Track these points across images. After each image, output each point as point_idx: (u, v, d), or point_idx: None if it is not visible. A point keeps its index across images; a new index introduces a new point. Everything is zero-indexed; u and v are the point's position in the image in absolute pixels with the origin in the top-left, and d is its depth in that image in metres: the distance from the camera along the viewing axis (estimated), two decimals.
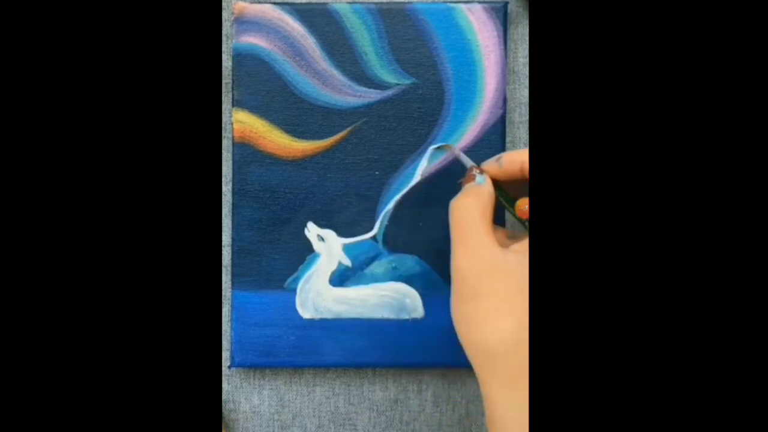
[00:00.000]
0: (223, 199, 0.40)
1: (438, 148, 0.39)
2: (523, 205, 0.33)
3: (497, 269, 0.30)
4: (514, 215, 0.33)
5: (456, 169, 0.40)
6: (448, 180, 0.40)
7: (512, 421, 0.29)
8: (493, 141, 0.39)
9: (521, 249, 0.31)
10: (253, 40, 0.39)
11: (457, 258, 0.31)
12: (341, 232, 0.40)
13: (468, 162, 0.35)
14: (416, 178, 0.39)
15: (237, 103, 0.39)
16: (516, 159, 0.33)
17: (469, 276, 0.30)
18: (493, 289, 0.30)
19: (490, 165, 0.34)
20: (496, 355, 0.30)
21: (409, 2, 0.40)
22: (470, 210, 0.32)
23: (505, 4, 0.40)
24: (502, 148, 0.39)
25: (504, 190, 0.34)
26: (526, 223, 0.33)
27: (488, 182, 0.33)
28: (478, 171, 0.34)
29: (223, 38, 0.41)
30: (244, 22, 0.39)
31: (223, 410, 0.41)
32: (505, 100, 0.40)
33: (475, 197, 0.32)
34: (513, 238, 0.34)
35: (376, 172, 0.40)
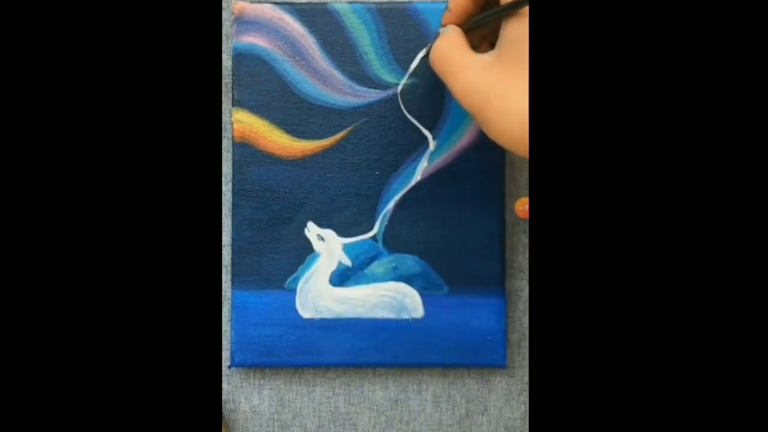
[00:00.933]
0: (223, 199, 0.40)
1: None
2: (523, 205, 0.33)
3: (489, 65, 0.31)
4: (491, 16, 0.33)
5: (456, 169, 0.40)
6: (448, 180, 0.40)
7: None
8: (493, 141, 0.39)
9: (497, 43, 0.32)
10: (253, 39, 0.39)
11: (458, 84, 0.32)
12: (341, 232, 0.40)
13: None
14: (416, 178, 0.39)
15: (237, 103, 0.39)
16: (527, 216, 0.33)
17: (477, 87, 0.31)
18: (496, 81, 0.31)
19: (444, 17, 0.35)
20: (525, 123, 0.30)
21: (409, 2, 0.40)
22: (446, 47, 0.33)
23: None
24: (502, 148, 0.39)
25: (472, 18, 0.34)
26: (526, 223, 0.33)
27: (451, 26, 0.34)
28: (441, 29, 0.35)
29: (223, 38, 0.41)
30: (244, 22, 0.39)
31: (223, 410, 0.41)
32: None
33: (445, 39, 0.34)
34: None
35: (376, 172, 0.40)
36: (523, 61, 0.30)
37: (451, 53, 0.33)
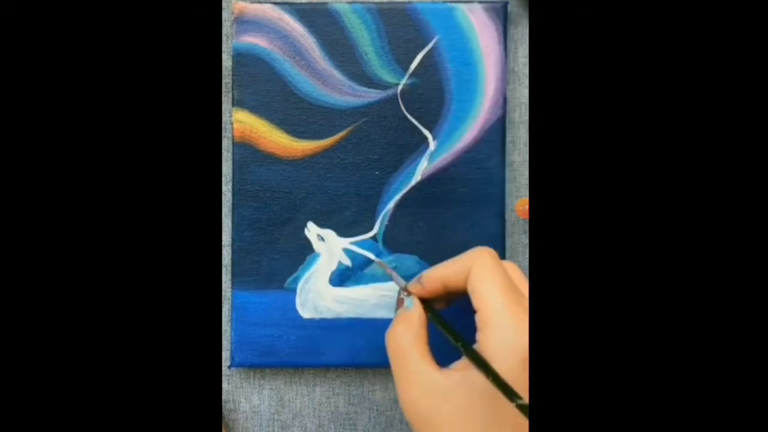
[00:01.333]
0: (223, 199, 0.40)
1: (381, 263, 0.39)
2: (523, 205, 0.33)
3: (440, 392, 0.30)
4: (453, 342, 0.31)
5: (456, 169, 0.40)
6: (448, 180, 0.40)
7: None
8: (493, 141, 0.39)
9: (462, 366, 0.30)
10: (253, 39, 0.39)
11: (402, 393, 0.31)
12: (341, 232, 0.40)
13: (400, 282, 0.35)
14: (416, 178, 0.39)
15: (237, 103, 0.39)
16: (435, 275, 0.33)
17: (420, 407, 0.30)
18: (446, 415, 0.30)
19: (414, 286, 0.33)
20: None
21: (409, 2, 0.40)
22: (402, 338, 0.32)
23: (505, 4, 0.40)
24: (503, 148, 0.39)
25: (437, 314, 0.33)
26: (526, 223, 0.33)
27: (416, 304, 0.33)
28: (405, 294, 0.33)
29: (223, 38, 0.41)
30: (244, 22, 0.39)
31: (223, 410, 0.41)
32: (505, 100, 0.40)
33: (405, 324, 0.32)
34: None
35: (376, 172, 0.40)
36: (478, 410, 0.29)
37: (407, 350, 0.31)
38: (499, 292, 0.30)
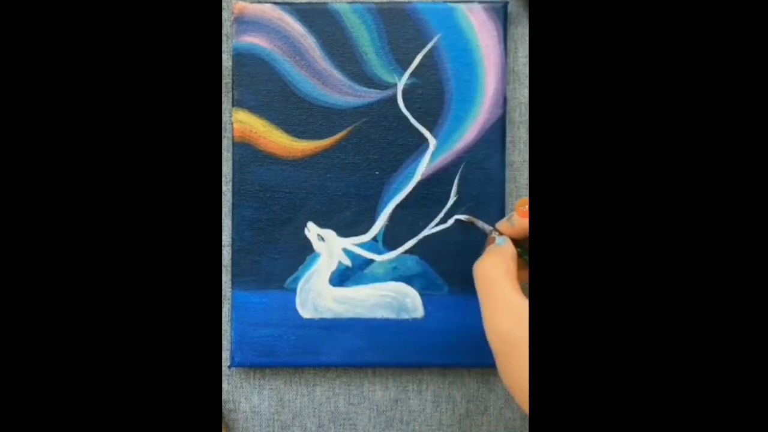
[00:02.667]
0: (223, 199, 0.40)
1: (459, 220, 0.39)
2: (523, 205, 0.33)
3: (525, 315, 0.30)
4: None
5: (456, 169, 0.40)
6: (448, 180, 0.40)
7: None
8: (493, 141, 0.39)
9: None
10: (253, 39, 0.39)
11: (490, 318, 0.32)
12: (341, 232, 0.40)
13: (486, 227, 0.37)
14: (416, 178, 0.39)
15: (237, 103, 0.39)
16: (527, 213, 0.34)
17: (508, 332, 0.31)
18: (526, 340, 0.30)
19: (503, 225, 0.35)
20: None
21: (409, 2, 0.40)
22: (495, 268, 0.33)
23: (505, 4, 0.40)
24: (503, 148, 0.39)
25: (525, 249, 0.35)
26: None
27: (508, 242, 0.34)
28: (497, 233, 0.35)
29: (223, 38, 0.41)
30: (244, 22, 0.39)
31: (223, 410, 0.41)
32: (505, 100, 0.40)
33: (499, 256, 0.33)
34: None
35: (376, 172, 0.40)
36: None
37: (497, 280, 0.32)
38: None
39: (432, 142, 0.40)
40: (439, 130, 0.40)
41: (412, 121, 0.40)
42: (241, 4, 0.39)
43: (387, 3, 0.40)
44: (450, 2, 0.40)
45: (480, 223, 0.38)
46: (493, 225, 0.36)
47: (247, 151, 0.39)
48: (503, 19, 0.40)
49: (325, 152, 0.40)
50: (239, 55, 0.39)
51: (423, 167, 0.40)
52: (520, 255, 0.34)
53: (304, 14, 0.40)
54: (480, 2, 0.40)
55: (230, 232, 0.40)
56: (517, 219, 0.34)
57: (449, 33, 0.40)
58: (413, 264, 0.40)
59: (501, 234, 0.35)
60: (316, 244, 0.40)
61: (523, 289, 0.32)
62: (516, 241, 0.35)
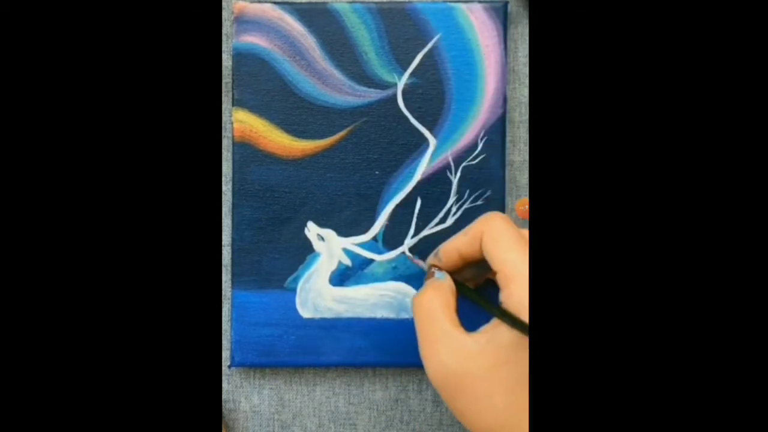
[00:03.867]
0: (223, 199, 0.40)
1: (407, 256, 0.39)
2: (523, 205, 0.33)
3: (469, 352, 0.30)
4: (482, 306, 0.32)
5: (456, 169, 0.40)
6: (448, 180, 0.40)
7: None
8: (493, 141, 0.39)
9: (489, 328, 0.31)
10: (253, 39, 0.39)
11: (429, 356, 0.31)
12: (341, 232, 0.40)
13: (423, 265, 0.37)
14: (416, 178, 0.39)
15: (237, 103, 0.39)
16: (450, 248, 0.34)
17: (448, 368, 0.30)
18: (471, 375, 0.30)
19: (432, 260, 0.35)
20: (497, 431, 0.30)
21: (409, 2, 0.40)
22: (431, 300, 0.32)
23: (505, 4, 0.40)
24: (503, 148, 0.39)
25: (463, 284, 0.34)
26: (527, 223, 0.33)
27: (447, 276, 0.34)
28: (435, 269, 0.35)
29: (223, 38, 0.41)
30: (244, 22, 0.39)
31: (223, 410, 0.41)
32: (505, 100, 0.40)
33: (437, 290, 0.33)
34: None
35: (376, 172, 0.40)
36: (507, 365, 0.30)
37: (434, 313, 0.32)
38: (514, 247, 0.31)
39: (432, 142, 0.40)
40: (439, 130, 0.40)
41: (412, 121, 0.40)
42: (241, 4, 0.39)
43: (387, 3, 0.40)
44: (450, 2, 0.40)
45: (416, 260, 0.38)
46: (429, 259, 0.36)
47: (247, 150, 0.39)
48: (503, 19, 0.40)
49: (325, 152, 0.40)
50: (239, 55, 0.39)
51: (423, 167, 0.40)
52: (458, 288, 0.34)
53: (304, 14, 0.39)
54: (480, 2, 0.40)
55: (230, 232, 0.40)
56: (444, 253, 0.34)
57: (449, 33, 0.40)
58: (413, 264, 0.40)
59: (439, 269, 0.35)
60: (316, 244, 0.40)
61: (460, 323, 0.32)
62: (455, 274, 0.34)
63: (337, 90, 0.40)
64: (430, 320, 0.32)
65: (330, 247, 0.40)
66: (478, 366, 0.30)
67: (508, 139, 0.40)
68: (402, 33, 0.40)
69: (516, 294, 0.30)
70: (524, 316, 0.30)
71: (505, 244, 0.32)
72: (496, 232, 0.32)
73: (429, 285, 0.34)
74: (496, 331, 0.30)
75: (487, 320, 0.32)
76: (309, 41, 0.40)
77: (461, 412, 0.31)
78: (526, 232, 0.33)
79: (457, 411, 0.31)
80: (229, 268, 0.40)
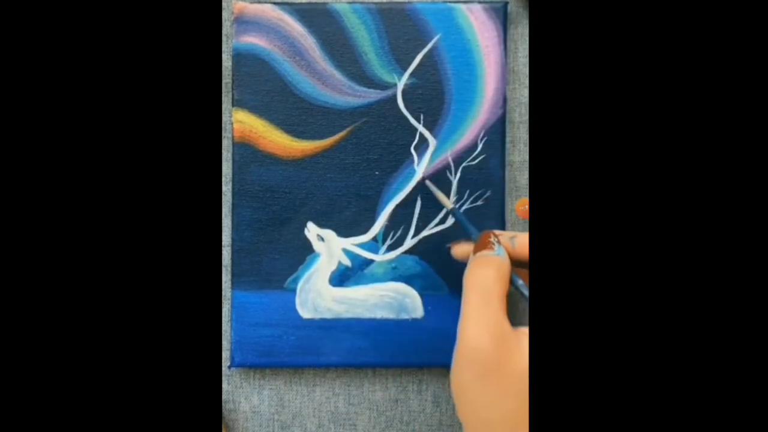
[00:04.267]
0: (223, 199, 0.40)
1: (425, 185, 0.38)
2: (523, 205, 0.33)
3: (512, 348, 0.29)
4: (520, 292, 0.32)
5: (456, 170, 0.40)
6: (448, 180, 0.40)
7: None
8: (493, 141, 0.39)
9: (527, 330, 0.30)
10: (253, 40, 0.39)
11: (466, 330, 0.30)
12: (341, 232, 0.40)
13: (445, 201, 0.35)
14: (416, 178, 0.39)
15: (237, 103, 0.39)
16: (527, 216, 0.33)
17: (484, 351, 0.29)
18: (500, 370, 0.29)
19: (506, 242, 0.33)
20: (494, 429, 0.29)
21: (409, 2, 0.40)
22: (490, 282, 0.31)
23: (505, 4, 0.40)
24: (503, 148, 0.39)
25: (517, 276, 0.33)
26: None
27: (506, 254, 0.32)
28: (496, 240, 0.32)
29: (223, 38, 0.41)
30: (244, 22, 0.39)
31: (223, 410, 0.41)
32: (505, 100, 0.40)
33: (496, 270, 0.31)
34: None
35: (376, 172, 0.40)
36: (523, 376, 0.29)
37: (493, 298, 0.30)
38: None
39: (432, 142, 0.40)
40: (439, 130, 0.40)
41: (412, 121, 0.40)
42: (241, 4, 0.39)
43: (387, 3, 0.40)
44: (450, 2, 0.40)
45: (440, 196, 0.36)
46: (502, 235, 0.33)
47: (247, 151, 0.39)
48: (503, 19, 0.40)
49: (325, 152, 0.40)
50: (239, 55, 0.39)
51: (423, 167, 0.40)
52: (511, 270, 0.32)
53: (304, 14, 0.40)
54: (480, 2, 0.40)
55: (230, 232, 0.40)
56: (522, 243, 0.32)
57: (449, 33, 0.40)
58: (413, 264, 0.40)
59: (499, 243, 0.32)
60: (316, 244, 0.40)
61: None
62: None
63: (337, 90, 0.40)
64: (485, 301, 0.30)
65: (330, 247, 0.40)
66: (515, 364, 0.29)
67: (508, 139, 0.40)
68: (402, 33, 0.40)
69: None
70: None
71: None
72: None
73: (489, 260, 0.31)
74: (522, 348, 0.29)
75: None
76: (309, 42, 0.40)
77: (466, 397, 0.30)
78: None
79: (463, 394, 0.30)
80: (229, 269, 0.40)
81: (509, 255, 0.32)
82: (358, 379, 0.41)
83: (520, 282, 0.32)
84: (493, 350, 0.29)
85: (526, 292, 0.31)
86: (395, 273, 0.39)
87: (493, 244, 0.32)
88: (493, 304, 0.30)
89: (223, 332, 0.40)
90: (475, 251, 0.33)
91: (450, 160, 0.40)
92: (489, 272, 0.31)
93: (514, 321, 0.31)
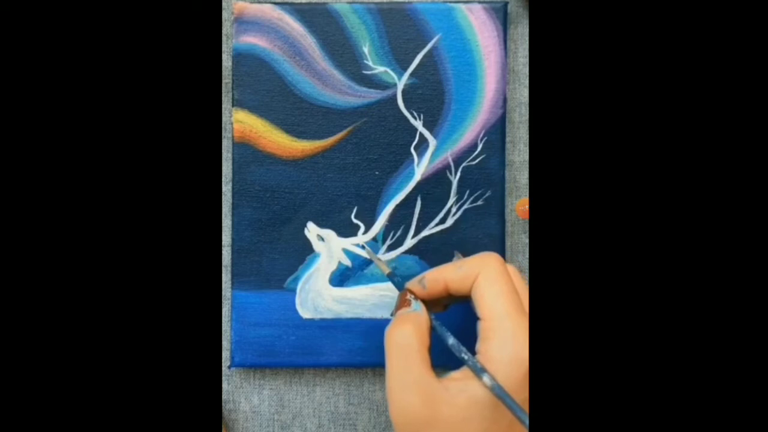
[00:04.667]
0: (223, 199, 0.40)
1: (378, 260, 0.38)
2: (523, 205, 0.33)
3: (440, 401, 0.29)
4: (447, 343, 0.31)
5: (456, 170, 0.40)
6: (448, 180, 0.40)
7: None
8: (493, 141, 0.39)
9: (461, 376, 0.30)
10: (253, 40, 0.39)
11: (397, 394, 0.30)
12: (341, 232, 0.40)
13: (384, 269, 0.35)
14: (416, 178, 0.39)
15: (237, 103, 0.39)
16: (439, 278, 0.32)
17: (415, 411, 0.29)
18: (443, 424, 0.29)
19: (414, 287, 0.33)
20: None
21: (409, 2, 0.40)
22: (408, 339, 0.31)
23: (505, 4, 0.40)
24: (502, 148, 0.39)
25: (439, 323, 0.32)
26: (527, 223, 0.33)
27: (424, 309, 0.32)
28: (412, 296, 0.33)
29: (223, 38, 0.41)
30: (244, 22, 0.39)
31: (223, 410, 0.41)
32: (505, 100, 0.40)
33: (414, 325, 0.31)
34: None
35: (376, 172, 0.40)
36: (476, 420, 0.29)
37: (411, 354, 0.30)
38: (506, 302, 0.30)
39: (432, 142, 0.40)
40: (439, 130, 0.40)
41: (412, 121, 0.40)
42: (241, 4, 0.39)
43: (387, 3, 0.40)
44: (450, 2, 0.40)
45: (382, 265, 0.36)
46: (410, 284, 0.34)
47: (247, 151, 0.39)
48: (503, 19, 0.40)
49: (325, 152, 0.40)
50: (239, 56, 0.39)
51: (423, 167, 0.40)
52: (431, 322, 0.32)
53: (304, 14, 0.40)
54: (480, 2, 0.40)
55: (230, 232, 0.40)
56: (430, 281, 0.32)
57: (449, 33, 0.40)
58: (413, 264, 0.40)
59: (416, 298, 0.33)
60: (316, 244, 0.40)
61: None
62: (427, 304, 0.33)
63: (337, 90, 0.40)
64: (405, 360, 0.30)
65: (330, 247, 0.40)
66: (447, 416, 0.29)
67: (508, 139, 0.40)
68: (402, 33, 0.40)
69: (494, 350, 0.29)
70: (499, 375, 0.29)
71: (498, 294, 0.30)
72: (493, 278, 0.31)
73: (405, 317, 0.32)
74: (468, 382, 0.29)
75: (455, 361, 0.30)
76: (309, 41, 0.40)
77: None
78: (516, 278, 0.32)
79: None
80: (229, 269, 0.40)
81: (424, 297, 0.33)
82: (358, 379, 0.41)
83: (443, 329, 0.32)
84: (421, 409, 0.29)
85: (448, 339, 0.31)
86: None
87: (410, 300, 0.32)
88: (415, 360, 0.30)
89: (223, 332, 0.40)
90: (394, 313, 0.33)
91: (450, 160, 0.40)
92: (406, 328, 0.31)
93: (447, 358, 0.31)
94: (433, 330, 0.32)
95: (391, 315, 0.33)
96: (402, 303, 0.33)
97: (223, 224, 0.40)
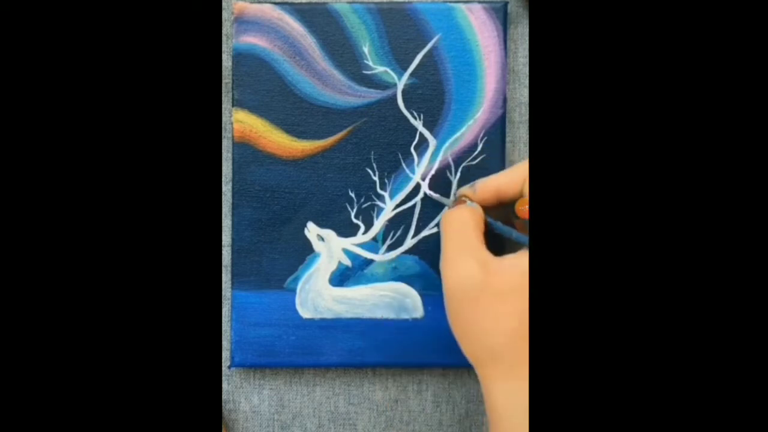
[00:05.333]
0: (223, 199, 0.40)
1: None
2: (523, 205, 0.33)
3: (493, 271, 0.31)
4: (507, 234, 0.33)
5: (456, 169, 0.40)
6: (448, 180, 0.40)
7: (515, 412, 0.29)
8: (493, 141, 0.39)
9: (513, 256, 0.31)
10: (253, 40, 0.39)
11: (450, 261, 0.32)
12: (341, 232, 0.40)
13: (447, 201, 0.38)
14: (416, 178, 0.39)
15: (237, 103, 0.39)
16: (490, 185, 0.34)
17: (466, 278, 0.31)
18: (490, 290, 0.30)
19: (466, 191, 0.35)
20: (497, 352, 0.30)
21: (409, 2, 0.40)
22: (465, 219, 0.33)
23: (505, 4, 0.40)
24: (502, 148, 0.39)
25: (494, 220, 0.34)
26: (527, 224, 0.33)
27: (479, 207, 0.34)
28: (467, 198, 0.35)
29: (223, 38, 0.41)
30: (244, 22, 0.39)
31: (223, 410, 0.41)
32: (505, 100, 0.40)
33: (470, 211, 0.33)
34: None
35: (376, 172, 0.40)
36: (525, 291, 0.30)
37: (466, 229, 0.32)
38: None
39: (432, 142, 0.40)
40: (439, 130, 0.40)
41: (412, 121, 0.40)
42: (241, 4, 0.39)
43: (387, 3, 0.40)
44: (450, 2, 0.40)
45: (437, 196, 0.38)
46: (462, 189, 0.36)
47: (247, 151, 0.39)
48: (503, 19, 0.40)
49: (325, 152, 0.40)
50: (239, 55, 0.39)
51: (423, 167, 0.40)
52: (488, 224, 0.34)
53: (304, 14, 0.39)
54: (480, 2, 0.40)
55: (230, 232, 0.40)
56: (481, 187, 0.34)
57: (449, 33, 0.40)
58: (413, 264, 0.40)
59: (471, 200, 0.35)
60: (316, 244, 0.40)
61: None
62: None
63: (337, 90, 0.40)
64: (462, 231, 0.32)
65: (330, 247, 0.40)
66: (498, 285, 0.30)
67: (508, 139, 0.40)
68: (402, 33, 0.40)
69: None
70: None
71: None
72: None
73: (462, 206, 0.34)
74: (520, 258, 0.31)
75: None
76: (309, 41, 0.40)
77: (465, 326, 0.31)
78: None
79: (461, 324, 0.31)
80: (229, 269, 0.40)
81: (480, 201, 0.34)
82: (358, 379, 0.41)
83: (499, 223, 0.34)
84: (479, 273, 0.30)
85: (507, 232, 0.33)
86: (395, 273, 0.39)
87: (465, 200, 0.35)
88: (473, 234, 0.32)
89: (223, 332, 0.40)
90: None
91: (450, 160, 0.40)
92: (464, 212, 0.33)
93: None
94: (488, 226, 0.34)
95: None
96: (459, 201, 0.35)
97: (223, 224, 0.40)
